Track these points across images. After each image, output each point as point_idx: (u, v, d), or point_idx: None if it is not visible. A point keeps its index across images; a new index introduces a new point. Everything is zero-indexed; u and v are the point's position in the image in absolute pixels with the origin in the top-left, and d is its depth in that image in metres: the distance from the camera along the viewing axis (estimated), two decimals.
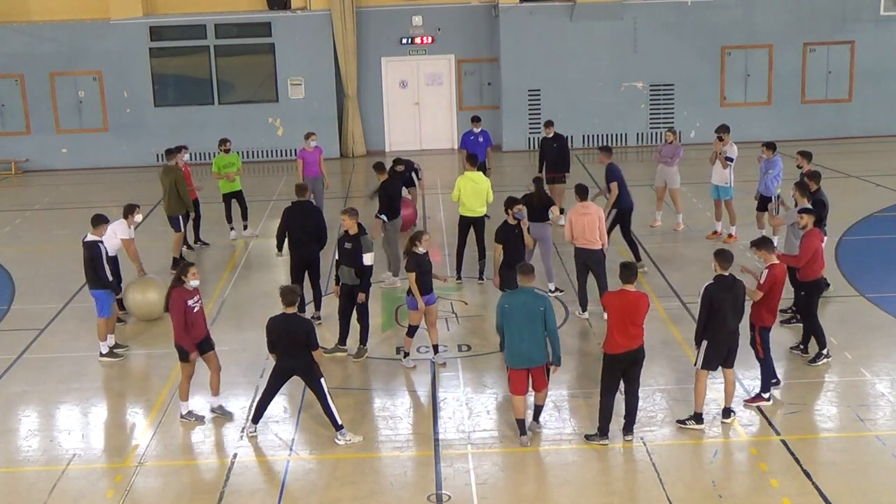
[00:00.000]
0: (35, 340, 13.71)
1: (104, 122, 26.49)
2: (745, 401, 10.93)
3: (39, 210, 22.13)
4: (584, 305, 13.72)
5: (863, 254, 16.33)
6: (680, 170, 17.98)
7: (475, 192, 15.18)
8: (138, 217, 13.83)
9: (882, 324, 13.29)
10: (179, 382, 10.97)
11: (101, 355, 12.84)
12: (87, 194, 23.19)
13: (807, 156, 15.12)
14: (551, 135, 18.49)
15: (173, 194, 16.49)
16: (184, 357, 10.72)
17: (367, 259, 12.31)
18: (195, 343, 10.74)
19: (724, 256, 10.31)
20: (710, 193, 17.39)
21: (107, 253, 12.67)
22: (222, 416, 10.99)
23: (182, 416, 10.96)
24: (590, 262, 13.47)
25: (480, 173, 15.47)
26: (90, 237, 12.64)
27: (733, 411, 10.58)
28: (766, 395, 10.93)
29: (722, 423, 10.48)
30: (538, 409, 10.40)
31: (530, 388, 10.16)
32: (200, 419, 10.98)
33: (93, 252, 12.53)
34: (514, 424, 10.32)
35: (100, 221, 12.77)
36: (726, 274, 10.23)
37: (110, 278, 12.68)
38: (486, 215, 15.44)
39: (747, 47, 26.25)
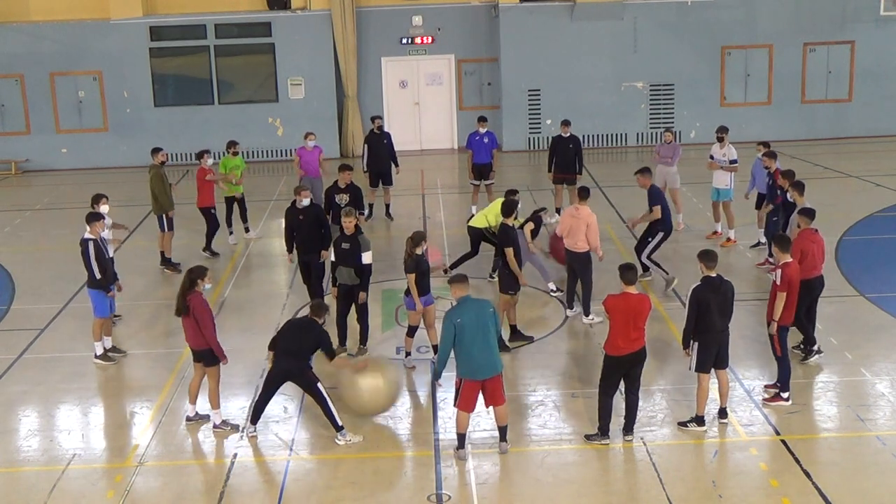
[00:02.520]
0: (35, 340, 13.72)
1: (104, 122, 26.48)
2: (764, 400, 10.92)
3: (39, 210, 22.13)
4: (569, 303, 13.87)
5: (863, 254, 16.33)
6: (680, 170, 17.99)
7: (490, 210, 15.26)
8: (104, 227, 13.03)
9: (882, 324, 13.30)
10: (209, 390, 10.75)
11: (96, 356, 12.82)
12: (87, 194, 22.89)
13: (772, 156, 15.38)
14: (567, 134, 18.57)
15: (152, 194, 16.53)
16: (215, 361, 10.64)
17: (366, 258, 12.31)
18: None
19: (708, 257, 10.33)
20: (710, 195, 17.41)
21: (98, 251, 12.54)
22: (201, 419, 10.93)
23: (216, 426, 10.75)
24: (574, 263, 13.58)
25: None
26: (85, 235, 12.64)
27: (728, 411, 10.59)
28: (785, 395, 10.89)
29: (719, 423, 10.48)
30: (503, 430, 10.00)
31: (479, 406, 9.96)
32: (235, 428, 10.82)
33: (81, 249, 12.54)
34: (514, 426, 10.32)
35: (94, 219, 12.70)
36: (713, 275, 10.24)
37: (97, 277, 12.54)
38: (486, 227, 15.36)
39: (747, 47, 26.24)
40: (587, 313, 13.53)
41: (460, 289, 9.85)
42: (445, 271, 12.93)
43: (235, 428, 10.75)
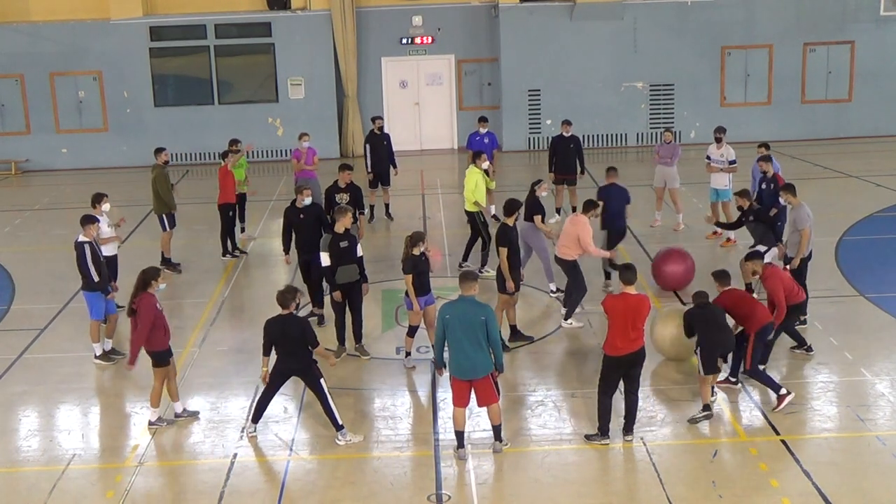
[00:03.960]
0: (35, 340, 13.72)
1: (104, 122, 26.49)
2: (774, 409, 10.79)
3: (39, 210, 22.12)
4: (565, 304, 13.80)
5: (863, 254, 16.33)
6: (679, 170, 18.00)
7: (466, 187, 15.74)
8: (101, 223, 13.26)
9: (882, 324, 13.29)
10: (153, 389, 10.81)
11: (96, 357, 12.81)
12: (87, 194, 22.92)
13: (768, 159, 15.23)
14: (569, 134, 18.58)
15: (155, 193, 16.50)
16: (163, 361, 10.73)
17: (360, 249, 12.40)
18: (167, 346, 10.80)
19: (698, 296, 10.68)
20: (709, 197, 17.42)
21: (94, 254, 12.52)
22: (190, 416, 11.01)
23: (151, 423, 10.85)
24: (562, 269, 13.56)
25: (472, 167, 15.78)
26: (79, 238, 12.60)
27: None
28: (783, 392, 10.76)
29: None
30: (496, 429, 10.00)
31: (472, 402, 9.96)
32: (194, 414, 11.05)
33: (77, 253, 12.50)
34: (513, 426, 10.32)
35: (88, 221, 12.65)
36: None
37: (95, 279, 12.50)
38: (478, 213, 15.58)
39: (747, 47, 26.25)
40: (567, 317, 13.45)
41: (464, 287, 9.84)
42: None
43: (166, 422, 10.84)
